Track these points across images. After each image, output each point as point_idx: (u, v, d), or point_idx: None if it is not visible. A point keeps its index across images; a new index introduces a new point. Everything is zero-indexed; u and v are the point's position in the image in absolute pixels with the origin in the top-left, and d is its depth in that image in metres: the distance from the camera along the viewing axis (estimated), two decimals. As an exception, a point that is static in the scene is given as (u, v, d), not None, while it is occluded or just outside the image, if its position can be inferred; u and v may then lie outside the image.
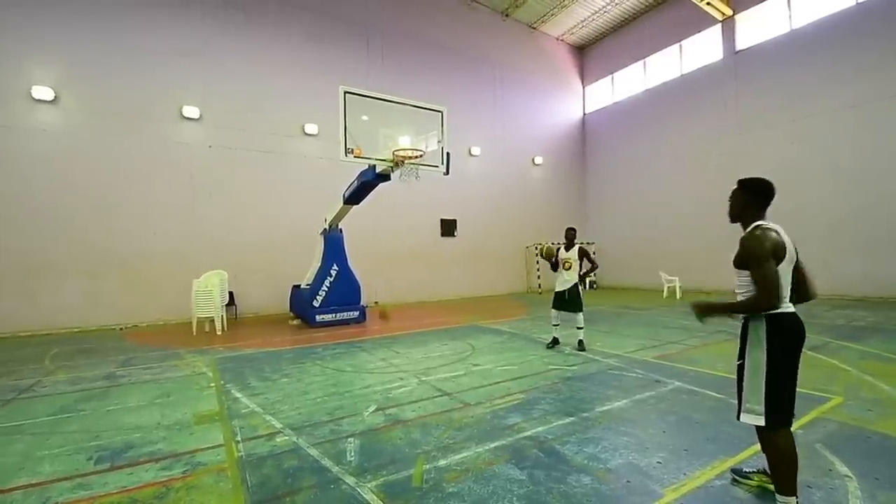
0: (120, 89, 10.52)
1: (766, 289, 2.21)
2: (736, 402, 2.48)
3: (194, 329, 9.01)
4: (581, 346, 6.35)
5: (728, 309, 2.38)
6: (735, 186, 2.50)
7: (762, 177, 2.42)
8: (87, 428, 3.88)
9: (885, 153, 10.97)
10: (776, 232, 2.32)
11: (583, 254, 6.50)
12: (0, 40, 9.42)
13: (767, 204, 2.40)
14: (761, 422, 2.30)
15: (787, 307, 2.31)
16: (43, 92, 9.69)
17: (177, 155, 11.15)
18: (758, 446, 2.63)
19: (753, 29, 13.71)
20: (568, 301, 6.47)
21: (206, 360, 6.48)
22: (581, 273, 6.54)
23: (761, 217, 2.40)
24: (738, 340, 2.47)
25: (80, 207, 10.09)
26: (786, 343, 2.28)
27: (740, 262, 2.36)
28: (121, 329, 10.06)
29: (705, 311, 2.45)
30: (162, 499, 2.64)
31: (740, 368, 2.41)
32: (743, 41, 13.94)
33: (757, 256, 2.25)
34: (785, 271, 2.29)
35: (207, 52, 11.56)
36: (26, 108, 9.65)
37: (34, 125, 9.73)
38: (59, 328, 9.71)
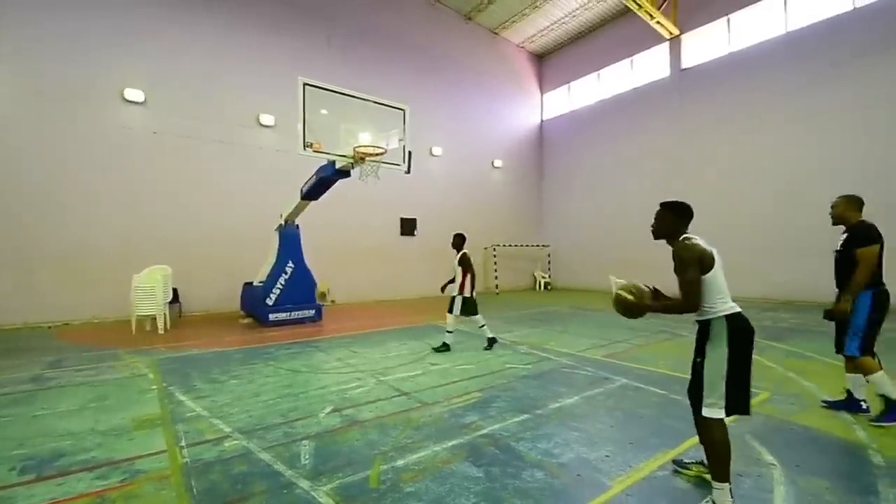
0: (54, 68, 9.64)
1: (689, 291, 2.45)
2: (688, 397, 2.63)
3: (133, 328, 8.44)
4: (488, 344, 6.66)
5: (654, 310, 2.60)
6: (659, 208, 2.72)
7: (681, 200, 2.68)
8: (9, 435, 3.54)
9: (811, 165, 12.04)
10: (701, 243, 2.53)
11: (461, 261, 6.74)
12: None
13: (689, 222, 2.64)
14: (722, 414, 2.47)
15: (734, 307, 2.52)
16: (-40, 65, 8.74)
17: (118, 141, 10.36)
18: (696, 439, 2.82)
19: (697, 49, 14.65)
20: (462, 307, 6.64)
21: (147, 361, 6.09)
22: (460, 282, 6.70)
23: (685, 232, 2.62)
24: (695, 339, 2.62)
25: (8, 195, 9.17)
26: (744, 340, 2.48)
27: (676, 271, 2.55)
28: (50, 327, 9.23)
29: (635, 311, 2.64)
30: (97, 510, 2.46)
31: (699, 366, 2.55)
32: (688, 60, 14.86)
33: (683, 262, 2.47)
34: (718, 275, 2.51)
35: (157, 32, 10.83)
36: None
37: (-52, 101, 8.74)
38: (-27, 326, 8.78)
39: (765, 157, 13.02)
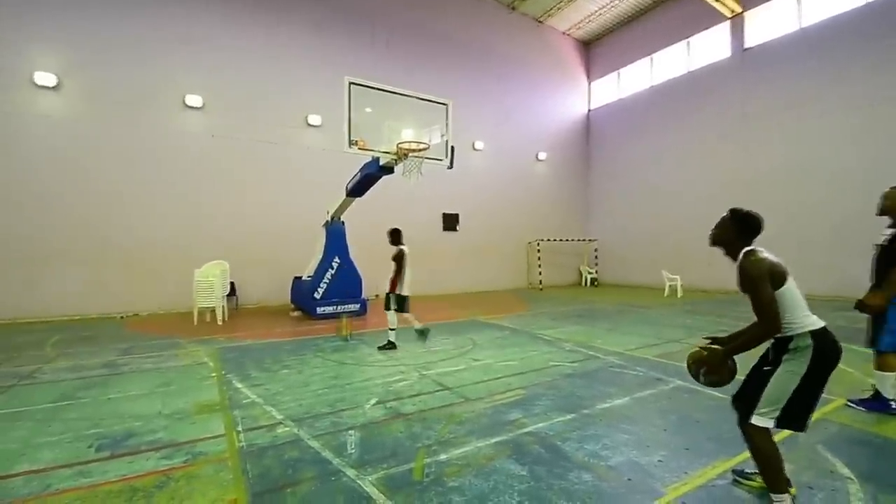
0: (123, 76, 10.45)
1: (767, 310, 2.22)
2: (732, 403, 2.47)
3: (195, 319, 9.02)
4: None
5: (735, 351, 2.37)
6: (726, 214, 2.48)
7: (754, 212, 2.41)
8: (87, 416, 3.88)
9: (891, 154, 10.89)
10: (769, 256, 2.32)
11: (393, 257, 6.57)
12: (4, 24, 9.34)
13: (753, 238, 2.40)
14: (770, 424, 2.30)
15: (819, 321, 2.30)
16: (45, 78, 9.64)
17: (179, 144, 11.10)
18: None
19: (762, 26, 13.56)
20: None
21: (207, 350, 6.48)
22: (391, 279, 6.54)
23: (748, 245, 2.39)
24: (768, 348, 2.43)
25: (83, 195, 10.07)
26: (829, 361, 2.26)
27: (744, 290, 2.34)
28: (122, 317, 10.07)
29: (716, 364, 2.41)
30: (162, 488, 2.64)
31: (764, 374, 2.36)
32: (752, 39, 13.80)
33: (752, 279, 2.25)
34: (793, 288, 2.29)
35: (211, 40, 11.48)
36: (29, 94, 9.60)
37: (37, 112, 9.69)
38: (60, 315, 9.72)
39: (833, 142, 11.90)
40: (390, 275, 6.55)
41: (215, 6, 11.56)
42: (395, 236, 6.76)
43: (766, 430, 2.32)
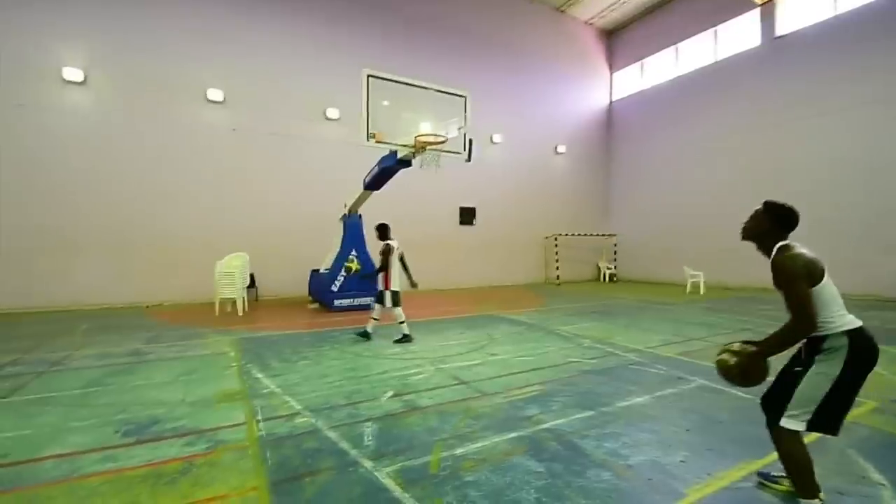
0: (146, 71, 10.68)
1: (802, 307, 2.11)
2: (761, 404, 2.40)
3: (217, 309, 9.21)
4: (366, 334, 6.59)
5: (769, 352, 2.24)
6: (760, 207, 2.38)
7: (790, 205, 2.31)
8: (114, 402, 4.01)
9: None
10: (805, 252, 2.21)
11: (380, 252, 6.57)
12: (32, 22, 9.62)
13: (789, 233, 2.29)
14: (802, 427, 2.21)
15: (855, 321, 2.20)
16: (73, 73, 9.91)
17: (202, 138, 11.31)
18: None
19: (794, 13, 13.02)
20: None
21: (228, 340, 6.62)
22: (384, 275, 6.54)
23: (783, 239, 2.28)
24: (799, 348, 2.34)
25: (111, 188, 10.37)
26: (866, 362, 2.16)
27: (778, 287, 2.24)
28: (147, 307, 10.36)
29: (749, 365, 2.27)
30: (185, 474, 2.70)
31: (796, 375, 2.27)
32: (783, 26, 13.26)
33: (788, 276, 2.14)
34: (830, 285, 2.19)
35: (231, 33, 11.61)
36: (58, 89, 9.89)
37: (66, 106, 9.98)
38: (88, 304, 10.06)
39: (868, 136, 11.38)
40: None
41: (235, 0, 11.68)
42: (383, 231, 6.77)
43: (797, 433, 2.24)
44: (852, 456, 2.92)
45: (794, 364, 2.34)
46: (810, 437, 2.69)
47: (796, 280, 2.13)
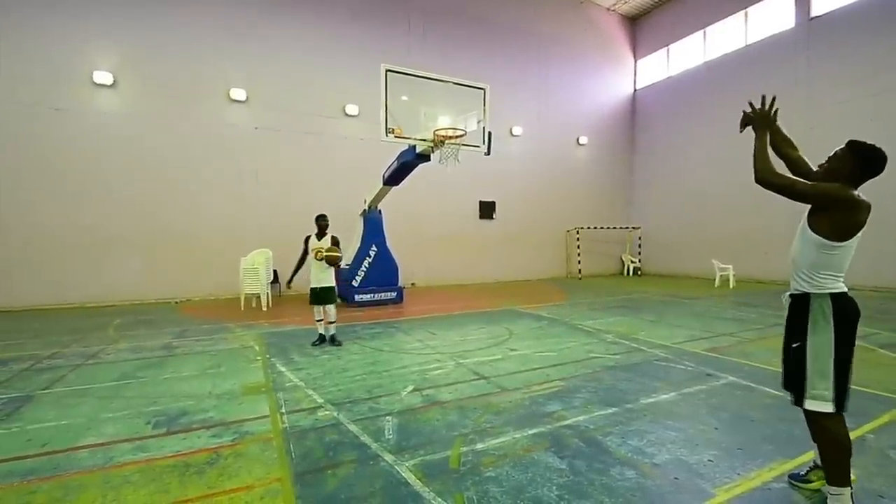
0: (172, 72, 10.95)
1: (777, 176, 2.20)
2: (784, 387, 2.33)
3: (242, 304, 9.44)
4: (334, 341, 5.99)
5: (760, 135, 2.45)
6: (843, 147, 2.20)
7: (878, 147, 2.15)
8: (145, 394, 4.15)
9: None
10: (866, 204, 2.12)
11: (334, 242, 6.14)
12: (64, 26, 9.98)
13: (870, 178, 2.17)
14: (830, 408, 2.13)
15: (843, 286, 2.17)
16: (103, 77, 10.25)
17: (225, 136, 11.55)
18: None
19: (831, -8, 12.36)
20: (322, 295, 6.00)
21: (253, 335, 6.77)
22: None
23: (858, 185, 2.18)
24: (786, 320, 2.33)
25: (140, 186, 10.71)
26: (849, 323, 2.14)
27: (818, 198, 2.16)
28: (176, 303, 10.71)
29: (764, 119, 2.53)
30: (213, 464, 2.78)
31: (799, 350, 2.21)
32: (819, 6, 12.60)
33: (828, 189, 2.13)
34: (848, 251, 2.14)
35: (253, 32, 11.79)
36: (89, 92, 10.25)
37: (97, 108, 10.34)
38: (120, 300, 10.46)
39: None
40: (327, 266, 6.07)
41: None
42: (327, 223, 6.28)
43: (838, 416, 2.15)
44: (893, 457, 2.77)
45: (788, 340, 2.30)
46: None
47: (823, 193, 2.12)
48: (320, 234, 6.20)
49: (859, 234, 2.13)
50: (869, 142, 2.15)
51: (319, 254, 5.94)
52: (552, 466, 2.71)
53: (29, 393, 4.20)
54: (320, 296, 6.02)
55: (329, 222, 6.31)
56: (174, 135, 11.02)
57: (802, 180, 2.22)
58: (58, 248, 10.01)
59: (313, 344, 6.00)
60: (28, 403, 3.92)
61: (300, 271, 6.31)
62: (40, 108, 9.83)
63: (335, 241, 6.19)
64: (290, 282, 6.22)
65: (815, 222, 2.17)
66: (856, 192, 2.11)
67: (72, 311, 9.51)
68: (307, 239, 6.24)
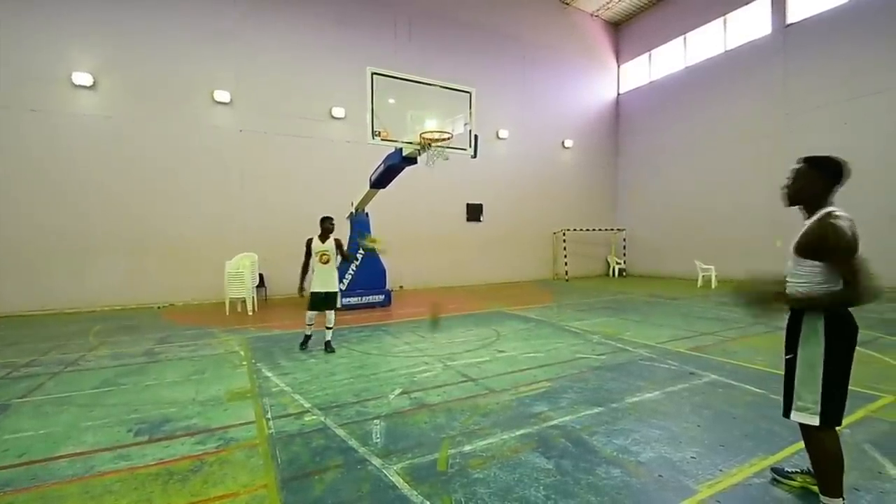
0: (154, 73, 10.76)
1: (861, 283, 1.99)
2: (781, 398, 2.34)
3: (227, 309, 9.30)
4: (329, 347, 5.85)
5: (809, 304, 2.13)
6: (801, 165, 2.20)
7: (835, 156, 2.15)
8: (127, 401, 4.06)
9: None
10: (850, 221, 2.10)
11: (339, 245, 6.04)
12: (42, 26, 9.75)
13: (839, 188, 2.16)
14: (815, 421, 2.15)
15: None
16: (82, 78, 10.02)
17: (209, 139, 11.38)
18: (800, 444, 2.50)
19: (806, 0, 12.73)
20: (328, 300, 5.89)
21: (238, 340, 6.68)
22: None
23: (831, 203, 2.16)
24: (785, 333, 2.31)
25: (122, 189, 10.48)
26: (843, 337, 2.13)
27: (810, 252, 2.11)
28: (159, 308, 10.49)
29: (769, 300, 2.18)
30: (197, 472, 2.73)
31: (790, 363, 2.25)
32: (795, 13, 12.98)
33: (844, 248, 2.02)
34: None
35: (239, 33, 11.66)
36: (68, 93, 10.01)
37: (77, 110, 10.10)
38: (101, 305, 10.21)
39: (886, 124, 11.11)
40: (337, 263, 6.02)
41: (240, 0, 11.71)
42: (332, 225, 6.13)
43: (829, 428, 2.18)
44: (868, 451, 2.86)
45: (785, 352, 2.30)
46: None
47: (849, 253, 2.01)
48: (324, 237, 5.98)
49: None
50: (823, 153, 2.19)
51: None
52: (539, 467, 2.73)
53: (5, 402, 4.07)
54: (326, 301, 5.86)
55: (335, 226, 6.10)
56: (156, 137, 10.83)
57: (862, 269, 2.03)
58: (36, 252, 9.73)
59: (301, 346, 5.92)
60: (4, 412, 3.81)
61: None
62: (16, 109, 9.57)
63: (339, 244, 6.05)
64: (302, 290, 6.00)
65: (805, 255, 2.15)
66: (842, 224, 2.06)
67: (51, 317, 9.26)
68: (309, 241, 6.04)
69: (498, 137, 15.63)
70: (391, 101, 7.18)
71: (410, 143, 7.17)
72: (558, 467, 2.72)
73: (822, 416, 2.13)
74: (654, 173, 17.34)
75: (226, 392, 4.26)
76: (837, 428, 2.19)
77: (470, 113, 7.49)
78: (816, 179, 2.15)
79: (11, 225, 9.56)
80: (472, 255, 15.16)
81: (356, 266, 9.63)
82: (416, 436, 3.21)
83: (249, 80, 11.80)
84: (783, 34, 13.16)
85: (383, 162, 8.27)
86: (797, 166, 2.23)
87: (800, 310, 2.20)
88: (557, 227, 16.90)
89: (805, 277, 2.17)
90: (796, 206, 2.25)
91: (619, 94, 18.87)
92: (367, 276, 9.74)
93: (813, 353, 2.15)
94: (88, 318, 9.07)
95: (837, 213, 2.10)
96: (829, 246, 2.05)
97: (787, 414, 2.27)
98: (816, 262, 2.11)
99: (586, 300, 10.68)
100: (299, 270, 6.08)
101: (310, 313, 5.98)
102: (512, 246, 16.09)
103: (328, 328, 5.94)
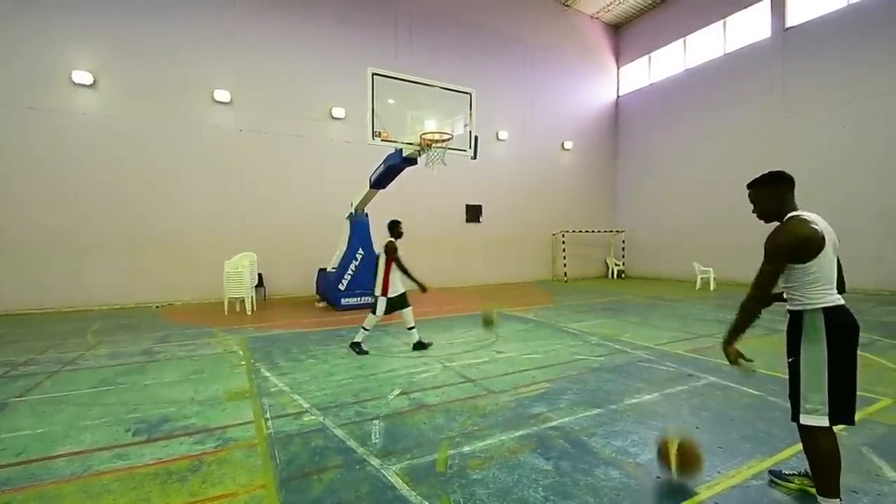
0: (154, 73, 10.76)
1: (759, 288, 2.22)
2: (789, 403, 2.32)
3: (226, 309, 9.29)
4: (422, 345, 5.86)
5: (732, 334, 2.36)
6: (749, 192, 2.42)
7: (769, 170, 2.38)
8: (125, 401, 4.06)
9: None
10: (812, 221, 2.18)
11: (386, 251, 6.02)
12: (42, 26, 9.74)
13: (792, 191, 2.32)
14: (825, 422, 2.15)
15: (837, 300, 2.19)
16: (83, 76, 10.02)
17: (209, 138, 11.38)
18: (798, 447, 2.50)
19: (805, 4, 12.78)
20: (402, 301, 5.91)
21: (237, 339, 6.67)
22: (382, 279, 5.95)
23: (794, 207, 2.30)
24: (785, 336, 2.32)
25: (121, 189, 10.48)
26: (845, 336, 2.15)
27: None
28: (157, 307, 10.48)
29: (728, 346, 2.37)
30: (195, 472, 2.73)
31: (793, 366, 2.25)
32: (794, 17, 13.03)
33: (769, 249, 2.20)
34: (824, 262, 2.17)
35: (239, 34, 11.67)
36: (69, 92, 10.01)
37: (76, 109, 10.10)
38: (100, 304, 10.20)
39: (882, 126, 11.15)
40: (379, 274, 5.94)
41: (241, 1, 11.72)
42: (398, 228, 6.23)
43: (829, 430, 2.18)
44: (866, 453, 2.87)
45: (788, 355, 2.31)
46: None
47: (774, 256, 2.18)
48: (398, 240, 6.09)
49: (828, 248, 2.16)
50: (761, 174, 2.38)
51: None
52: (538, 468, 2.74)
53: (2, 401, 4.07)
54: (402, 301, 5.90)
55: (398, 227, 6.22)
56: (156, 136, 10.82)
57: (768, 276, 2.24)
58: (34, 250, 9.72)
59: (361, 352, 5.64)
60: (2, 411, 3.80)
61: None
62: (15, 107, 9.56)
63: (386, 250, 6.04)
64: (424, 288, 5.97)
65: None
66: (795, 223, 2.19)
67: (49, 316, 9.24)
68: (396, 247, 6.06)
69: (498, 139, 15.65)
70: (391, 101, 7.19)
71: (410, 143, 7.18)
72: (557, 468, 2.73)
73: (831, 417, 2.14)
74: (652, 175, 17.38)
75: (224, 392, 4.26)
76: (835, 429, 2.19)
77: (470, 114, 7.50)
78: (771, 193, 2.33)
79: (10, 223, 9.54)
80: (471, 256, 15.17)
81: (355, 267, 9.62)
82: (415, 436, 3.21)
83: (249, 80, 11.80)
84: (782, 37, 13.21)
85: (383, 162, 8.27)
86: (749, 191, 2.43)
87: (799, 311, 2.23)
88: (557, 228, 16.92)
89: (791, 282, 2.26)
90: (774, 222, 2.38)
91: (618, 96, 18.91)
92: (366, 276, 9.69)
93: (816, 353, 2.16)
94: (87, 316, 9.06)
95: (800, 217, 2.21)
96: (765, 248, 2.22)
97: (795, 418, 2.25)
98: (790, 265, 2.22)
99: (585, 301, 10.69)
100: (409, 272, 5.96)
101: (378, 317, 5.78)
102: (511, 247, 16.11)
103: (411, 328, 5.89)
